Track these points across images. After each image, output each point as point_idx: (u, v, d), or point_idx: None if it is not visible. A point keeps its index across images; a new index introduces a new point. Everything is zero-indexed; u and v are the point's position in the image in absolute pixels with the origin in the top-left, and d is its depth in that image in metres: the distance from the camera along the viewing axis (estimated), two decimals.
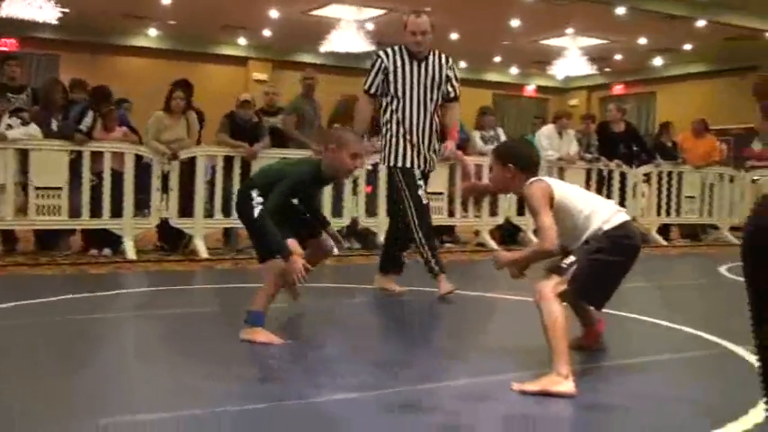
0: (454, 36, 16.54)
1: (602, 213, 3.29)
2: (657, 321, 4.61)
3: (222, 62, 18.27)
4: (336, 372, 3.29)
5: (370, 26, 14.76)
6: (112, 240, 7.56)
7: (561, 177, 9.64)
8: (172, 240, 8.04)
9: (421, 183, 5.27)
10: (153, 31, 17.04)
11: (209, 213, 7.87)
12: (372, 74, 5.26)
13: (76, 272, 6.52)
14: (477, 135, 9.62)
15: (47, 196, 7.23)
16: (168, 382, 3.12)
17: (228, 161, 7.84)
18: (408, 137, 5.20)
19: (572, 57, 16.68)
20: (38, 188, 7.19)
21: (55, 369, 3.29)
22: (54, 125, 7.50)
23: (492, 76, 21.35)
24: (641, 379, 3.35)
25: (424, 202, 5.29)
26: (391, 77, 5.18)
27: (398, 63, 5.18)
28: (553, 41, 16.85)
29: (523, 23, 15.26)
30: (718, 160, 11.12)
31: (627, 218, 3.35)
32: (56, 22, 12.72)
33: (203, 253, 7.54)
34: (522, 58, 19.42)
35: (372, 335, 4.30)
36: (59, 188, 7.26)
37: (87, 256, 7.41)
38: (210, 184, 7.96)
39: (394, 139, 5.26)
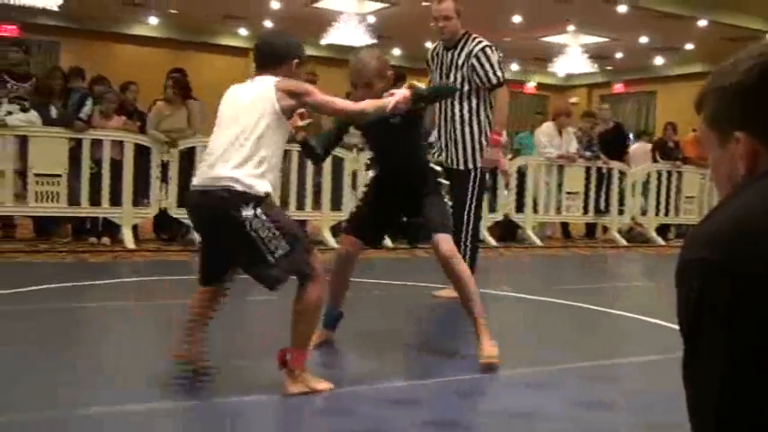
0: None
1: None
2: (656, 321, 4.61)
3: (222, 52, 18.19)
4: (330, 365, 3.28)
5: (371, 19, 14.71)
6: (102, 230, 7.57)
7: (561, 175, 9.66)
8: (169, 230, 8.03)
9: None
10: (153, 20, 16.97)
11: None
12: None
13: (75, 260, 6.51)
14: None
15: (46, 183, 7.21)
16: (157, 372, 3.10)
17: None
18: (437, 129, 4.99)
19: (573, 54, 16.65)
20: (37, 175, 7.18)
21: (43, 356, 3.27)
22: (53, 112, 7.47)
23: None
24: (637, 377, 3.36)
25: None
26: (431, 68, 5.04)
27: (434, 53, 5.01)
28: (554, 38, 16.81)
29: (525, 20, 15.22)
30: None
31: (197, 182, 2.78)
32: (56, 9, 12.66)
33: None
34: (522, 54, 19.38)
35: (363, 329, 4.29)
36: (59, 175, 7.24)
37: (86, 244, 7.40)
38: None
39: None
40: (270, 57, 2.91)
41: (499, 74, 4.82)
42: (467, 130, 4.83)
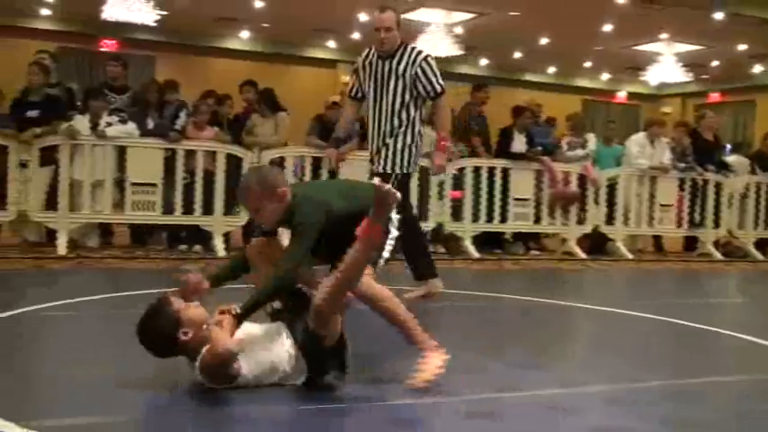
0: (544, 41, 16.31)
1: None
2: (751, 338, 4.43)
3: (311, 65, 18.49)
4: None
5: (458, 30, 14.69)
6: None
7: (653, 186, 9.42)
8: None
9: None
10: (245, 34, 17.39)
11: None
12: (353, 76, 5.13)
13: (169, 267, 6.71)
14: (564, 141, 9.48)
15: (142, 192, 7.47)
16: None
17: (317, 162, 7.94)
18: (369, 139, 5.00)
19: (666, 63, 16.22)
20: (134, 184, 7.44)
21: (129, 359, 3.36)
22: (150, 123, 7.74)
23: (582, 82, 20.96)
24: (728, 397, 3.24)
25: None
26: (361, 77, 4.99)
27: (367, 62, 4.95)
28: (647, 47, 16.41)
29: (616, 28, 14.92)
30: None
31: None
32: (153, 24, 13.12)
33: None
34: (613, 63, 19.00)
35: (447, 340, 4.27)
36: (154, 184, 7.49)
37: (178, 251, 7.62)
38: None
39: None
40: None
41: (441, 83, 4.85)
42: (399, 138, 4.81)
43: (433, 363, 3.02)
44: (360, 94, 5.05)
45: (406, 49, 4.86)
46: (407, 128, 4.83)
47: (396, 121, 4.83)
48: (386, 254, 3.16)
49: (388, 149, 4.82)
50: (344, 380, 2.97)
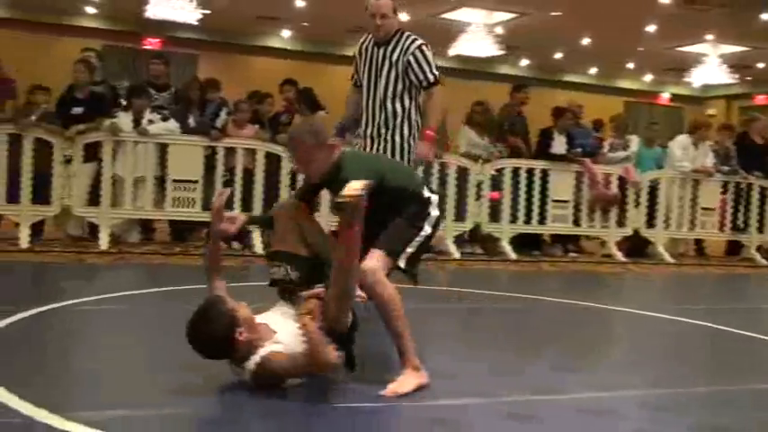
0: (586, 41, 16.16)
1: None
2: None
3: (351, 64, 18.55)
4: (451, 377, 3.27)
5: (499, 30, 14.63)
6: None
7: (695, 189, 9.27)
8: None
9: None
10: (286, 33, 17.51)
11: None
12: (353, 63, 5.02)
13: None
14: (607, 142, 9.38)
15: (183, 189, 7.56)
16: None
17: None
18: (362, 126, 4.85)
19: (711, 64, 15.96)
20: (175, 181, 7.53)
21: (165, 354, 3.41)
22: (191, 121, 7.82)
23: (624, 83, 20.74)
24: None
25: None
26: (358, 63, 4.88)
27: (363, 48, 4.83)
28: (691, 48, 16.18)
29: (659, 29, 14.73)
30: None
31: None
32: (196, 23, 13.27)
33: None
34: (656, 64, 18.76)
35: (484, 341, 4.25)
36: (195, 181, 7.57)
37: None
38: None
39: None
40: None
41: (436, 72, 4.69)
42: (397, 131, 4.68)
43: (410, 382, 2.94)
44: (360, 82, 4.96)
45: (402, 36, 4.74)
46: (404, 120, 4.71)
47: (389, 110, 4.72)
48: (410, 249, 3.13)
49: (387, 144, 4.73)
50: (350, 376, 2.99)
